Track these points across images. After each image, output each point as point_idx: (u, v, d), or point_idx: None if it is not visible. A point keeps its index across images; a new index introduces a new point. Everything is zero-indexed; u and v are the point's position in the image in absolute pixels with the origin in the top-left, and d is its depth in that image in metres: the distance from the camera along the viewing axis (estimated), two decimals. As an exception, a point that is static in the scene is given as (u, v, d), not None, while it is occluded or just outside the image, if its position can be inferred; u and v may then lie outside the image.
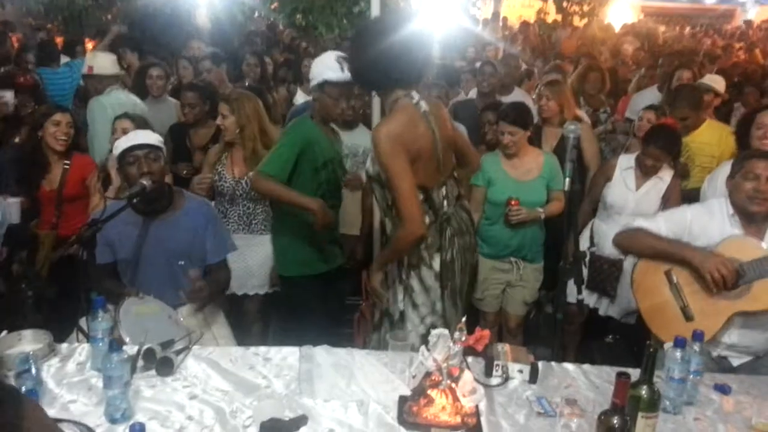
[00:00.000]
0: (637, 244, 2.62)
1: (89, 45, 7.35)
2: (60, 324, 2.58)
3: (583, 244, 3.60)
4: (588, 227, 3.67)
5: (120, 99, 4.34)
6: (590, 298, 3.54)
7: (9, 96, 3.75)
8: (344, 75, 2.83)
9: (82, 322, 2.39)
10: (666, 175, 3.50)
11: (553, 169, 3.45)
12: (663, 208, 3.39)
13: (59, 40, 7.66)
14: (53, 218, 3.53)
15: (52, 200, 3.52)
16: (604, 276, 3.44)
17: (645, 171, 3.47)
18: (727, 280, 2.37)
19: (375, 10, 3.53)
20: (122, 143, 2.71)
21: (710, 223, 2.55)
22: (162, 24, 8.14)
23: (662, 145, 3.40)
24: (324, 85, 2.95)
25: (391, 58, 2.27)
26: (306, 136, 2.99)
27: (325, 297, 3.24)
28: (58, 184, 3.52)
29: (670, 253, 2.52)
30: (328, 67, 2.94)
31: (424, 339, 2.26)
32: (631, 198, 3.49)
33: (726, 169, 2.81)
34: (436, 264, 2.44)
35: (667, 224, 2.61)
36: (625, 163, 3.55)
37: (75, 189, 3.54)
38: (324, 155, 3.07)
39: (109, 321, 2.16)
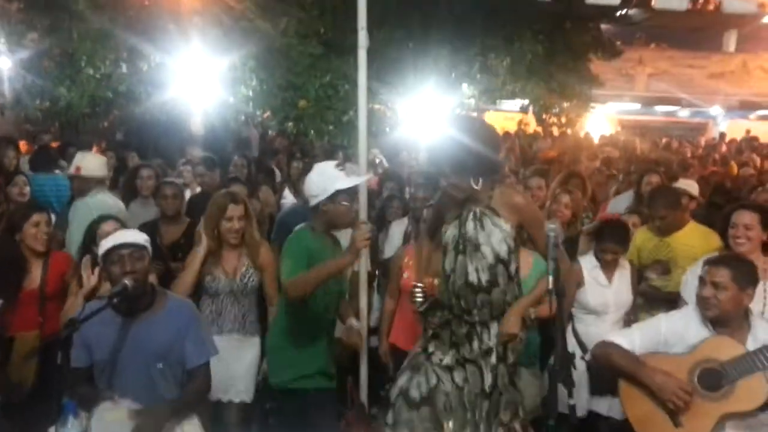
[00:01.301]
0: (608, 362, 2.68)
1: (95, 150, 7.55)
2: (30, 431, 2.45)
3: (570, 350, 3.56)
4: (570, 333, 3.64)
5: (105, 202, 4.28)
6: (591, 402, 3.47)
7: None
8: (352, 179, 2.98)
9: (52, 430, 2.27)
10: (625, 263, 3.69)
11: (542, 271, 3.44)
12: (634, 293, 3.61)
13: (55, 145, 7.84)
14: (37, 318, 3.43)
15: (34, 299, 3.45)
16: (607, 377, 3.35)
17: (608, 266, 3.62)
18: (687, 403, 2.44)
19: (362, 120, 3.69)
20: (107, 242, 2.70)
21: (686, 329, 2.61)
22: (158, 131, 8.40)
23: (617, 240, 3.59)
24: (337, 195, 2.92)
25: (495, 143, 2.71)
26: (309, 247, 2.95)
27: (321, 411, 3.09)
28: (40, 282, 3.47)
29: (630, 374, 2.58)
30: (334, 177, 2.93)
31: None
32: (609, 293, 3.59)
33: None
34: None
35: (642, 337, 2.67)
36: (590, 264, 3.65)
37: (56, 286, 3.49)
38: None
39: (79, 427, 2.06)
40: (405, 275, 3.64)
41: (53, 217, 4.28)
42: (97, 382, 2.67)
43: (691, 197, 4.65)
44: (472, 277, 2.62)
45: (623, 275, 3.64)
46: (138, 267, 2.64)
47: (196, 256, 3.38)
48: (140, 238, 2.76)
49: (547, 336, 3.46)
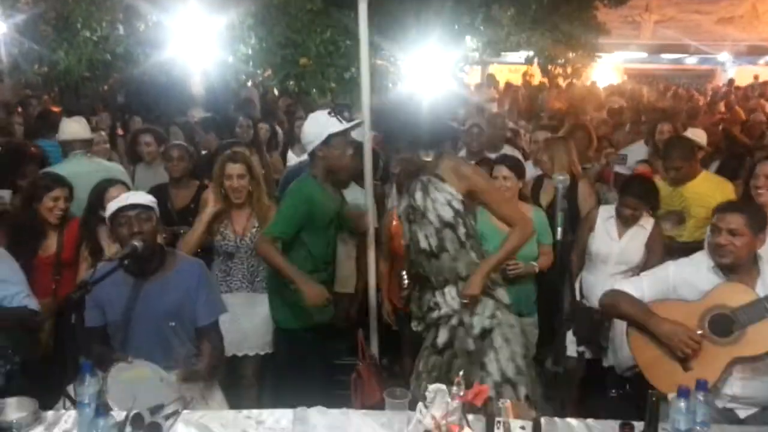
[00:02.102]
0: (617, 309, 2.68)
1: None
2: (46, 391, 2.49)
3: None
4: (578, 280, 3.67)
5: (77, 165, 4.18)
6: (590, 350, 3.49)
7: (6, 195, 3.77)
8: (344, 124, 3.09)
9: (70, 388, 2.32)
10: (647, 224, 3.54)
11: (541, 224, 3.48)
12: (647, 256, 3.46)
13: (56, 109, 7.79)
14: (51, 284, 3.46)
15: (50, 266, 3.47)
16: (594, 327, 3.39)
17: (625, 221, 3.52)
18: (695, 351, 2.45)
19: (365, 75, 3.63)
20: (113, 204, 2.71)
21: (695, 275, 2.60)
22: (157, 92, 8.31)
23: (637, 194, 3.48)
24: (330, 139, 3.05)
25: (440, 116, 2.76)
26: (310, 195, 3.05)
27: (322, 351, 3.19)
28: (56, 248, 3.49)
29: (639, 323, 2.58)
30: (327, 124, 3.06)
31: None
32: (615, 247, 3.52)
33: None
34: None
35: (650, 284, 2.67)
36: (606, 213, 3.60)
37: (72, 252, 3.51)
38: (330, 213, 3.13)
39: (96, 385, 2.09)
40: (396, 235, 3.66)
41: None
42: (111, 342, 2.72)
43: (699, 147, 4.61)
44: (423, 244, 2.70)
45: (638, 234, 3.51)
46: (145, 228, 2.65)
47: (203, 218, 3.40)
48: (146, 199, 2.77)
49: (544, 286, 3.53)
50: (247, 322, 3.42)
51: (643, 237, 3.51)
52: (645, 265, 3.43)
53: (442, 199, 2.64)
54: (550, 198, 3.92)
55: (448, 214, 2.64)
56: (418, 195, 2.70)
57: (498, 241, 3.35)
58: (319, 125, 3.08)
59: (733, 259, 2.50)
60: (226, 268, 3.46)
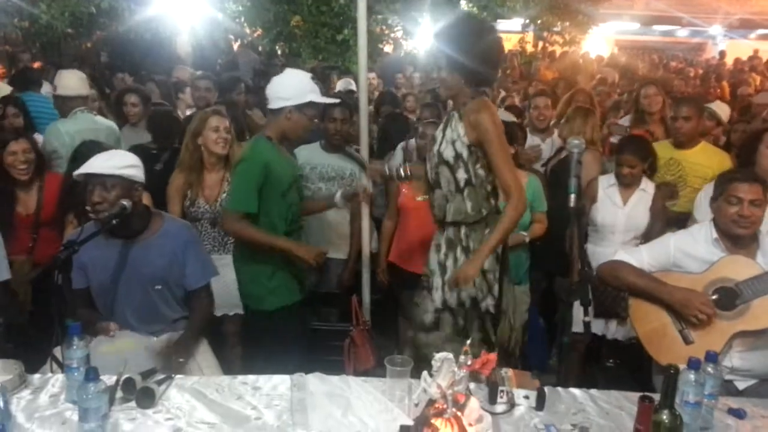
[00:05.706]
0: (620, 279, 2.61)
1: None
2: (32, 353, 2.41)
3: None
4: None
5: (85, 123, 4.10)
6: (596, 325, 3.39)
7: None
8: (325, 98, 3.02)
9: (57, 351, 2.23)
10: (648, 187, 3.51)
11: (535, 191, 3.43)
12: (651, 221, 3.43)
13: (37, 65, 7.52)
14: (29, 243, 3.35)
15: (29, 225, 3.36)
16: (611, 299, 3.28)
17: (626, 183, 3.47)
18: (711, 317, 2.39)
19: (362, 39, 3.49)
20: (98, 167, 2.54)
21: (695, 248, 2.55)
22: (143, 50, 8.07)
23: (634, 150, 3.44)
24: (306, 106, 2.86)
25: (495, 58, 2.57)
26: (265, 159, 2.82)
27: (303, 325, 3.08)
28: (35, 207, 3.37)
29: (648, 293, 2.52)
30: (310, 89, 2.88)
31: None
32: (621, 214, 3.47)
33: None
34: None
35: (650, 255, 2.61)
36: (607, 182, 3.54)
37: (52, 210, 3.38)
38: (288, 177, 2.93)
39: (85, 349, 2.02)
40: (404, 191, 3.58)
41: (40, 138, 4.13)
42: (97, 305, 2.65)
43: (719, 122, 4.50)
44: (429, 174, 2.68)
45: (642, 198, 3.47)
46: (135, 191, 2.56)
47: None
48: (134, 160, 2.64)
49: (533, 254, 3.54)
50: (222, 282, 3.31)
51: (647, 200, 3.47)
52: (649, 231, 3.41)
53: (449, 137, 2.55)
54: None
55: (448, 153, 2.55)
56: (442, 125, 2.62)
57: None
58: (300, 86, 2.85)
59: (754, 230, 2.45)
60: (198, 234, 3.33)
